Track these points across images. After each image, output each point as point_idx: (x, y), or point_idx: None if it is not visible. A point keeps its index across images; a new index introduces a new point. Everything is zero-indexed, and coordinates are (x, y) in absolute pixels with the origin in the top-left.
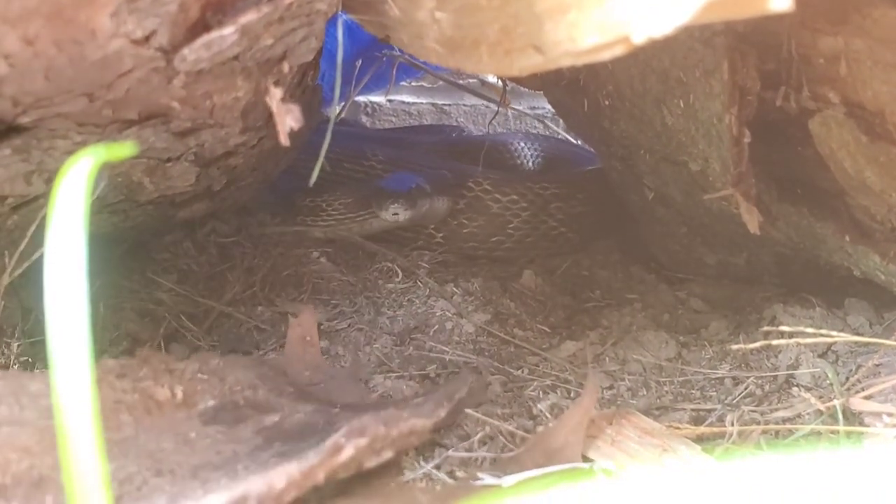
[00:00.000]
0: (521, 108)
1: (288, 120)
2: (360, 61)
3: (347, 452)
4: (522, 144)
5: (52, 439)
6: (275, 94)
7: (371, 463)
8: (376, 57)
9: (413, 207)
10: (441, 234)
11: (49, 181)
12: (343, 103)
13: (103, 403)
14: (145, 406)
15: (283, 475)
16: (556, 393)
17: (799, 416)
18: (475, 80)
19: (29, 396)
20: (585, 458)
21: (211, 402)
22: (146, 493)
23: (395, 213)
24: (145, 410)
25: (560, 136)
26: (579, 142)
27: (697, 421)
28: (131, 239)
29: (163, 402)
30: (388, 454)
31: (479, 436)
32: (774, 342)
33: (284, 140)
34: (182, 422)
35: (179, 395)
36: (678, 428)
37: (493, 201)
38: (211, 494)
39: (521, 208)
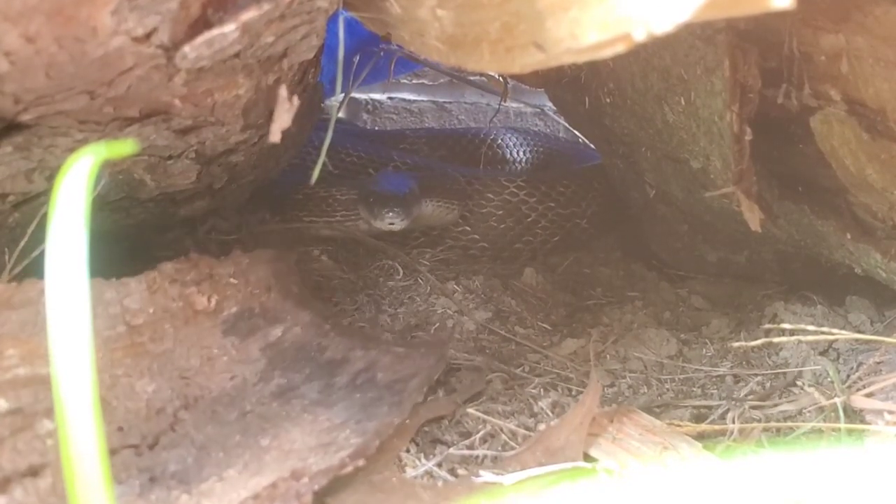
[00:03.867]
0: (522, 104)
1: (286, 118)
2: (359, 56)
3: (348, 469)
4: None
5: (113, 352)
6: (281, 92)
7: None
8: (374, 51)
9: (409, 215)
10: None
11: (50, 178)
12: (342, 99)
13: (154, 313)
14: (184, 316)
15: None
16: (557, 390)
17: (800, 413)
18: (476, 76)
19: (103, 304)
20: (587, 457)
21: (234, 309)
22: (178, 438)
23: (391, 223)
24: (184, 320)
25: (560, 134)
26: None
27: (699, 418)
28: (132, 236)
29: (199, 311)
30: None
31: (480, 434)
32: (775, 340)
33: (276, 137)
34: (207, 333)
35: (213, 303)
36: (679, 425)
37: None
38: (231, 469)
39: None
